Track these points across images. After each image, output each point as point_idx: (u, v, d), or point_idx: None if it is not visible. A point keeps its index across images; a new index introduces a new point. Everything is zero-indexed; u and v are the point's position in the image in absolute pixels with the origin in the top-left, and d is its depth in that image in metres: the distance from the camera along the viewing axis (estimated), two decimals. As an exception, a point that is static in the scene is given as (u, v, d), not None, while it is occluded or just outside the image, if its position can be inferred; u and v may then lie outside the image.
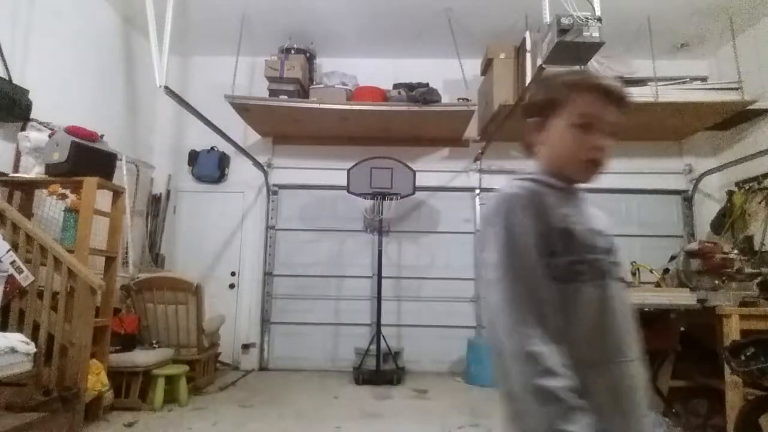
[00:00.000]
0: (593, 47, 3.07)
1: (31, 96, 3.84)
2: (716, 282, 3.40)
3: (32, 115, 3.89)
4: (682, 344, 3.33)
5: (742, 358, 2.52)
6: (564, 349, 0.93)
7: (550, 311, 0.96)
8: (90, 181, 3.57)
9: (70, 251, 3.39)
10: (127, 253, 4.78)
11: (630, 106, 1.11)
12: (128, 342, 4.08)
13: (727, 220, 5.32)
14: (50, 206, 3.99)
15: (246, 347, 5.74)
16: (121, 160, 4.59)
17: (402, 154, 5.56)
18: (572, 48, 3.06)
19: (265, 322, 5.85)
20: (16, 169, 3.82)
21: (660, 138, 5.90)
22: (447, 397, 4.51)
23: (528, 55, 4.74)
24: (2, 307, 3.13)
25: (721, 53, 5.66)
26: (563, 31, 2.97)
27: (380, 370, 4.94)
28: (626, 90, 1.13)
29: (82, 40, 4.74)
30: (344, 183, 5.23)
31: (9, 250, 3.16)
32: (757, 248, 4.80)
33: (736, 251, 3.61)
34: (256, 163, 5.72)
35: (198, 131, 5.36)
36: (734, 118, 5.27)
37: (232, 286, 5.90)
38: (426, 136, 5.92)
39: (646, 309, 3.15)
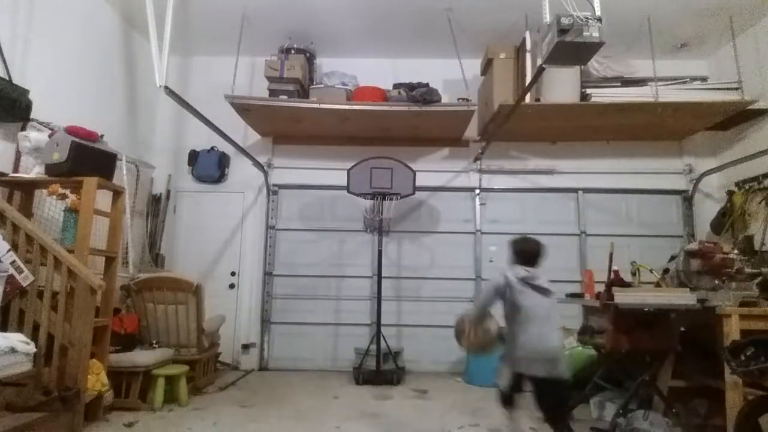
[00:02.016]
0: (593, 47, 3.06)
1: (31, 96, 3.84)
2: (716, 282, 3.40)
3: (32, 115, 3.89)
4: (682, 344, 3.33)
5: (742, 358, 2.52)
6: None
7: None
8: (90, 181, 3.57)
9: (70, 251, 3.39)
10: (127, 253, 4.78)
11: None
12: (128, 342, 4.08)
13: (727, 220, 5.32)
14: (50, 206, 3.99)
15: (246, 347, 5.74)
16: (121, 160, 4.59)
17: (402, 154, 5.56)
18: (572, 48, 3.05)
19: (265, 322, 5.85)
20: (16, 169, 3.82)
21: (660, 138, 5.90)
22: (447, 397, 4.51)
23: (528, 55, 4.75)
24: (2, 307, 3.13)
25: (721, 53, 5.66)
26: (563, 31, 2.96)
27: (380, 370, 4.94)
28: None
29: (82, 40, 4.74)
30: (344, 183, 5.23)
31: (9, 250, 3.16)
32: (757, 248, 4.80)
33: (736, 251, 3.61)
34: (256, 163, 5.72)
35: (198, 131, 5.36)
36: (734, 118, 5.27)
37: (232, 286, 5.90)
38: (426, 136, 5.92)
39: (646, 309, 3.14)
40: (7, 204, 3.48)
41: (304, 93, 5.47)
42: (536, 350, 2.60)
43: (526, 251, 2.96)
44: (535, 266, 2.83)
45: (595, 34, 2.95)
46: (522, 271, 2.74)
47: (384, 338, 5.00)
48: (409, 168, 5.28)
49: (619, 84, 5.26)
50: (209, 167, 5.96)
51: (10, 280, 3.14)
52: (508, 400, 2.80)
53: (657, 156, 6.00)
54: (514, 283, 2.68)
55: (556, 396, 2.64)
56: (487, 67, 5.54)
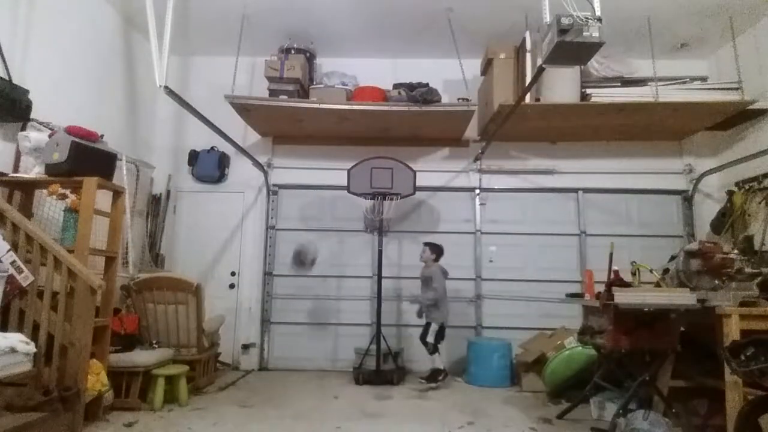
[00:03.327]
0: (593, 47, 3.06)
1: (31, 96, 3.84)
2: (716, 282, 3.40)
3: (32, 115, 3.89)
4: (682, 344, 3.33)
5: (742, 358, 2.51)
6: None
7: None
8: (90, 181, 3.57)
9: (70, 251, 3.39)
10: (127, 253, 4.78)
11: None
12: (128, 342, 4.08)
13: (727, 220, 5.32)
14: (50, 206, 3.99)
15: (246, 347, 5.74)
16: (121, 160, 4.60)
17: (402, 154, 5.56)
18: (572, 48, 3.05)
19: (265, 322, 5.85)
20: (16, 169, 3.82)
21: (660, 138, 5.90)
22: (447, 397, 4.51)
23: (528, 55, 4.75)
24: (2, 307, 3.13)
25: (721, 53, 5.66)
26: (563, 31, 2.96)
27: (380, 370, 4.94)
28: None
29: (82, 40, 4.74)
30: (344, 183, 5.23)
31: (9, 250, 3.16)
32: (757, 248, 4.80)
33: (736, 251, 3.61)
34: (256, 163, 5.72)
35: (198, 131, 5.36)
36: (734, 118, 5.27)
37: (232, 286, 5.90)
38: (426, 136, 5.92)
39: (646, 309, 3.15)
40: (7, 204, 3.48)
41: (304, 93, 5.47)
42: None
43: (441, 252, 5.17)
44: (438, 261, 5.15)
45: (595, 34, 2.95)
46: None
47: (384, 338, 5.00)
48: (409, 168, 5.29)
49: (619, 84, 5.25)
50: (209, 167, 5.96)
51: (10, 280, 3.14)
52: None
53: (657, 156, 6.00)
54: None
55: None
56: (487, 67, 5.54)
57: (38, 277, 3.26)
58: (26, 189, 3.85)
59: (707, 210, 5.75)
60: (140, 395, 3.85)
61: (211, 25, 5.50)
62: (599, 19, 2.96)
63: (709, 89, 5.18)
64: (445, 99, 5.42)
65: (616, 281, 3.54)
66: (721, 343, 3.04)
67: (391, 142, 5.91)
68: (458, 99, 5.35)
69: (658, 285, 3.62)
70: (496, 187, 6.04)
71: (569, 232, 5.95)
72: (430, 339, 4.90)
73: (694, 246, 3.50)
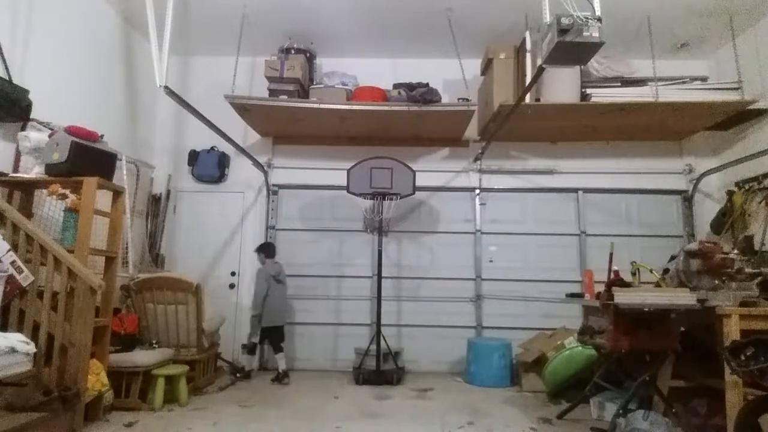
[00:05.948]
0: (593, 47, 3.06)
1: (31, 96, 3.84)
2: (716, 282, 3.40)
3: (32, 115, 3.89)
4: (682, 344, 3.33)
5: (742, 358, 2.52)
6: None
7: None
8: (90, 181, 3.57)
9: (70, 251, 3.39)
10: (127, 253, 4.78)
11: None
12: (128, 342, 4.08)
13: (727, 220, 5.32)
14: (50, 206, 3.99)
15: (246, 347, 5.72)
16: (121, 160, 4.60)
17: (402, 154, 5.56)
18: (572, 48, 3.05)
19: (265, 322, 5.84)
20: (16, 169, 3.82)
21: (660, 138, 5.90)
22: (447, 397, 4.51)
23: (528, 55, 4.75)
24: (2, 307, 3.13)
25: (721, 53, 5.66)
26: (563, 31, 2.96)
27: (380, 370, 4.94)
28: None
29: (82, 40, 4.74)
30: (344, 183, 5.23)
31: (9, 250, 3.16)
32: (757, 248, 4.80)
33: (736, 251, 3.61)
34: (256, 163, 5.72)
35: (198, 131, 5.37)
36: (734, 118, 5.27)
37: (232, 286, 5.90)
38: (426, 136, 5.92)
39: (646, 309, 3.14)
40: (7, 204, 3.48)
41: (304, 93, 5.47)
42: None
43: (267, 249, 5.35)
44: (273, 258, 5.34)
45: (595, 34, 2.95)
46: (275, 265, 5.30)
47: (384, 338, 5.00)
48: (409, 168, 5.28)
49: (619, 84, 5.25)
50: (209, 167, 5.96)
51: (10, 280, 3.14)
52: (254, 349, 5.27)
53: (657, 156, 6.00)
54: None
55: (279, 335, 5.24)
56: (487, 67, 5.54)
57: (38, 277, 3.26)
58: (26, 189, 3.85)
59: (707, 210, 5.75)
60: (140, 395, 3.85)
61: (211, 25, 5.50)
62: (599, 19, 2.96)
63: (709, 89, 5.18)
64: (445, 99, 5.42)
65: (616, 281, 3.54)
66: (721, 343, 3.04)
67: (391, 142, 5.91)
68: (458, 99, 5.35)
69: (658, 285, 3.62)
70: (496, 187, 6.04)
71: (569, 232, 5.95)
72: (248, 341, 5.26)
73: (694, 246, 3.50)
